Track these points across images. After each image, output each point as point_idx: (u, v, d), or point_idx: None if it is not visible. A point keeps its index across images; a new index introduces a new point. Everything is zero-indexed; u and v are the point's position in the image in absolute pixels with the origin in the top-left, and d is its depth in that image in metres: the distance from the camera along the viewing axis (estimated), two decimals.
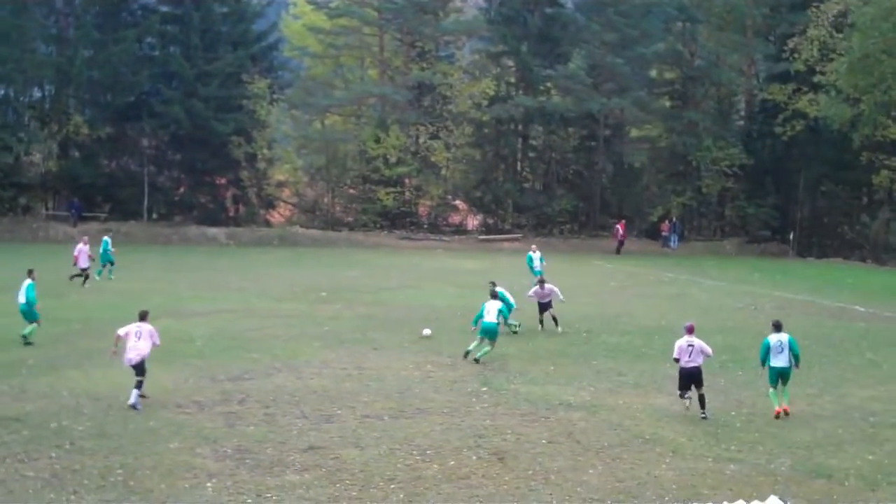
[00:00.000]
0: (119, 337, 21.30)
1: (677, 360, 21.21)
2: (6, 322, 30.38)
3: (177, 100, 67.47)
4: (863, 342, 31.48)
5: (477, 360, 26.25)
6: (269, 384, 22.99)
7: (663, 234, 71.73)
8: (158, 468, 16.63)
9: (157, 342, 21.41)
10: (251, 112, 69.22)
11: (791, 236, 70.17)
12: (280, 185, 74.68)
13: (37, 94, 70.32)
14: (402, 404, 21.41)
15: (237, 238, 66.31)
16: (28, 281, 27.93)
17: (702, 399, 21.10)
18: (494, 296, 27.91)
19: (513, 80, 75.97)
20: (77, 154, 69.58)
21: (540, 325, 31.48)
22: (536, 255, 43.64)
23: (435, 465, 17.20)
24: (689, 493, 15.84)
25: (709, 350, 21.37)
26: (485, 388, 23.16)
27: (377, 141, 69.08)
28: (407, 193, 72.79)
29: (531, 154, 77.97)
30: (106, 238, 44.04)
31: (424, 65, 71.91)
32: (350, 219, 72.95)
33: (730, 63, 76.07)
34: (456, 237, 71.73)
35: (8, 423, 18.99)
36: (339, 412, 20.64)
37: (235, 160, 69.42)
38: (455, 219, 77.38)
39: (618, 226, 67.96)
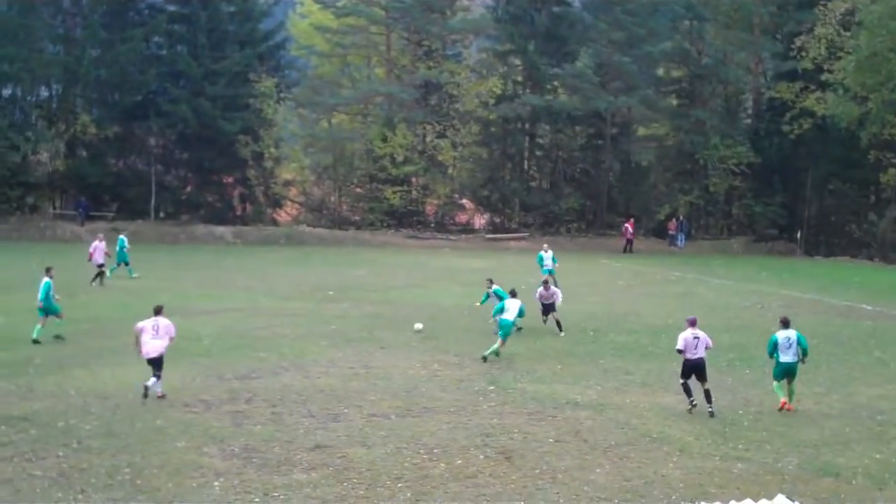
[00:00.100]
0: (137, 332, 21.58)
1: (680, 352, 21.37)
2: (14, 321, 30.49)
3: (184, 99, 67.57)
4: (870, 340, 31.43)
5: (484, 359, 26.28)
6: (276, 383, 23.00)
7: (670, 232, 71.65)
8: (166, 467, 16.64)
9: (173, 335, 21.69)
10: (258, 111, 69.29)
11: (798, 235, 70.06)
12: (287, 183, 74.74)
13: (44, 93, 70.45)
14: (409, 403, 21.41)
15: (244, 237, 66.37)
16: (45, 279, 28.10)
17: (707, 394, 21.18)
18: (514, 294, 27.94)
19: (520, 78, 75.97)
20: (84, 153, 69.75)
21: (544, 324, 31.38)
22: (548, 255, 43.36)
23: (442, 464, 17.19)
24: (697, 492, 15.81)
25: (710, 342, 21.60)
26: (492, 387, 23.14)
27: (384, 140, 69.12)
28: (414, 192, 72.77)
29: (538, 153, 77.90)
30: (121, 237, 44.05)
31: (431, 63, 71.93)
32: (357, 217, 72.97)
33: (737, 61, 76.03)
34: (463, 236, 71.69)
35: (15, 422, 19.02)
36: (346, 411, 20.64)
37: (242, 159, 69.47)
38: (462, 218, 77.37)
39: (626, 224, 67.86)
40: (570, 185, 75.43)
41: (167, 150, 73.48)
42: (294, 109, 74.18)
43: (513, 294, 27.97)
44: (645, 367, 25.88)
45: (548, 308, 30.99)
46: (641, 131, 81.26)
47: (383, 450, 17.91)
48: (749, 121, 79.16)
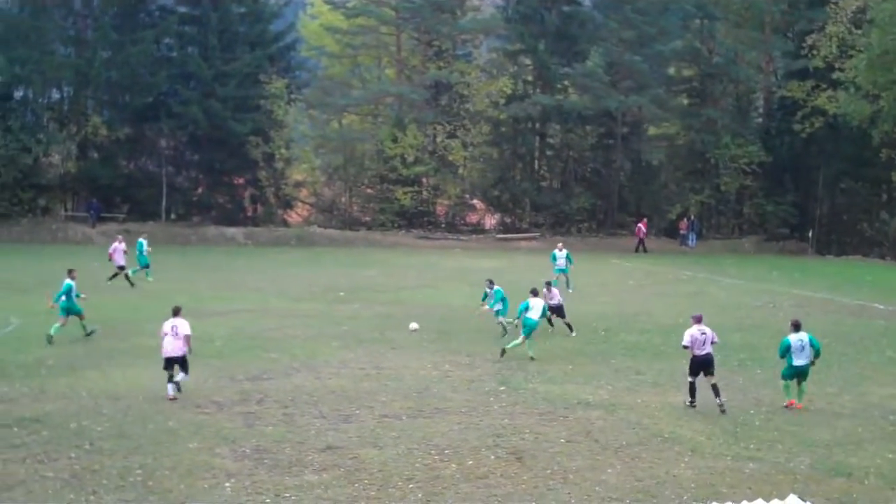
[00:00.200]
0: (162, 335, 21.98)
1: (686, 348, 21.60)
2: (26, 323, 30.61)
3: (195, 100, 67.66)
4: (882, 340, 31.34)
5: (503, 352, 26.46)
6: (287, 384, 23.03)
7: (681, 232, 71.53)
8: (177, 468, 16.68)
9: (188, 332, 21.89)
10: (269, 112, 69.36)
11: (810, 234, 69.87)
12: (298, 184, 74.77)
13: (56, 95, 70.57)
14: (421, 404, 21.42)
15: (255, 238, 66.47)
16: (66, 280, 28.36)
17: (715, 388, 21.41)
18: (535, 293, 27.95)
19: (530, 78, 75.93)
20: (96, 155, 69.88)
21: (549, 326, 31.13)
22: (561, 254, 43.16)
23: (453, 465, 17.20)
24: (708, 492, 15.78)
25: (715, 337, 21.86)
26: (503, 388, 23.15)
27: (394, 140, 69.13)
28: (424, 193, 72.76)
29: (549, 152, 77.83)
30: (140, 240, 44.07)
31: (442, 64, 71.93)
32: (368, 218, 73.01)
33: (748, 60, 75.82)
34: (473, 236, 71.67)
35: (28, 424, 19.08)
36: (357, 412, 20.66)
37: (253, 160, 69.52)
38: (472, 218, 77.35)
39: (639, 224, 67.80)
40: (580, 185, 75.33)
41: (178, 151, 73.61)
42: (305, 110, 74.23)
43: (534, 293, 27.99)
44: (656, 367, 25.85)
45: (553, 310, 30.78)
46: (652, 130, 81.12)
47: (395, 450, 17.93)
48: (760, 120, 79.01)
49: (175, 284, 40.84)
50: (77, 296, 28.64)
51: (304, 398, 21.67)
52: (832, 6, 65.71)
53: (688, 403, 21.54)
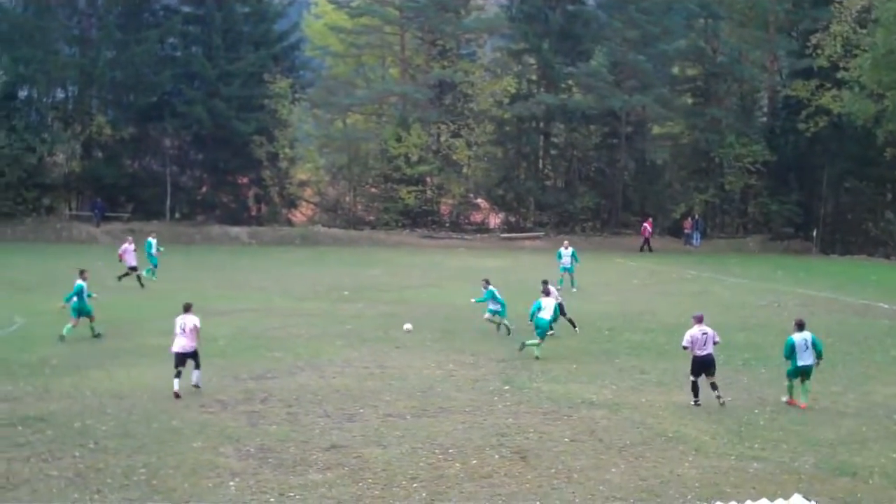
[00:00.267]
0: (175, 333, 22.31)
1: (686, 349, 21.74)
2: (31, 322, 30.65)
3: (199, 100, 67.67)
4: (887, 339, 31.29)
5: (523, 347, 26.71)
6: (291, 383, 23.05)
7: (686, 231, 71.46)
8: (181, 467, 16.69)
9: (197, 326, 22.23)
10: (273, 111, 69.36)
11: (814, 233, 69.76)
12: (302, 184, 74.74)
13: (60, 94, 70.59)
14: (425, 403, 21.43)
15: (259, 237, 66.48)
16: (78, 281, 28.44)
17: (714, 385, 21.60)
18: (547, 293, 27.99)
19: (534, 77, 75.85)
20: (100, 154, 69.91)
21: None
22: (567, 252, 43.04)
23: (457, 464, 17.20)
24: (712, 492, 15.77)
25: (717, 337, 21.97)
26: (507, 387, 23.14)
27: (399, 139, 69.11)
28: (428, 192, 72.74)
29: (553, 152, 77.78)
30: (149, 239, 44.15)
31: (446, 63, 71.90)
32: (372, 217, 72.99)
33: (752, 59, 75.64)
34: (478, 235, 71.63)
35: (32, 423, 19.11)
36: (361, 411, 20.67)
37: (257, 160, 69.54)
38: (477, 217, 77.29)
39: (645, 223, 67.80)
40: (584, 184, 75.26)
41: (182, 150, 73.66)
42: (309, 110, 74.23)
43: (546, 293, 28.03)
44: (661, 366, 25.84)
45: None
46: (656, 130, 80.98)
47: (399, 450, 17.93)
48: (764, 119, 78.89)
49: (179, 284, 40.86)
50: (88, 296, 28.72)
51: (308, 397, 21.68)
52: (837, 5, 65.58)
53: (693, 403, 21.56)
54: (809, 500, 12.90)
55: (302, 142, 73.85)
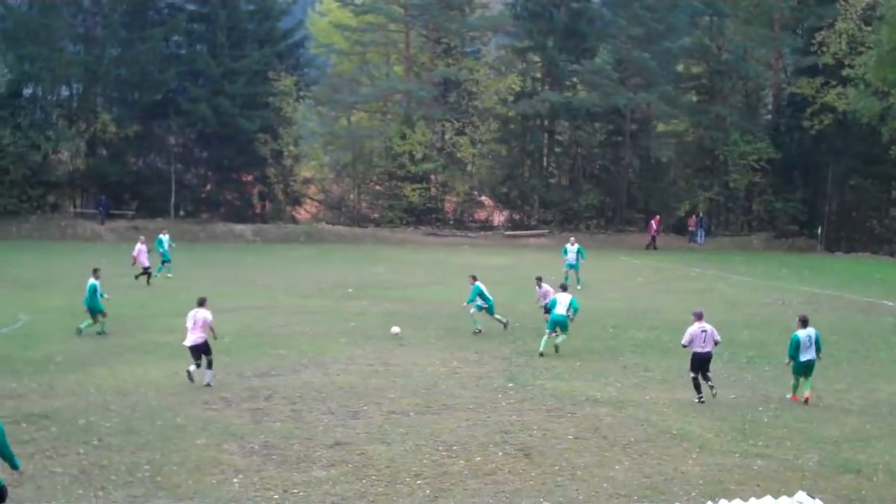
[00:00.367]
0: (187, 327, 22.59)
1: (685, 347, 21.94)
2: (35, 319, 30.69)
3: (203, 97, 67.69)
4: (891, 337, 31.29)
5: (556, 349, 26.76)
6: (295, 380, 23.06)
7: (690, 229, 71.42)
8: (185, 464, 16.70)
9: (209, 322, 22.50)
10: (277, 109, 69.38)
11: (819, 231, 69.70)
12: (306, 181, 74.79)
13: (65, 92, 70.62)
14: (429, 400, 21.43)
15: (264, 235, 66.52)
16: (91, 280, 28.54)
17: (706, 377, 21.87)
18: (565, 288, 28.12)
19: (539, 75, 75.79)
20: (105, 152, 70.01)
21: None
22: (572, 248, 42.95)
23: (461, 461, 17.20)
24: (716, 489, 15.76)
25: (718, 336, 22.11)
26: (511, 384, 23.15)
27: (403, 137, 69.11)
28: (433, 189, 72.68)
29: (557, 149, 77.71)
30: (161, 236, 44.20)
31: (450, 61, 71.87)
32: (376, 215, 73.01)
33: (757, 57, 75.57)
34: (482, 233, 71.61)
35: (36, 420, 19.13)
36: (365, 408, 20.67)
37: (262, 157, 69.54)
38: (481, 215, 77.26)
39: (652, 221, 67.79)
40: (589, 182, 75.23)
41: (187, 148, 73.69)
42: (313, 107, 74.19)
43: (563, 288, 28.17)
44: (665, 364, 25.83)
45: (545, 308, 30.75)
46: (661, 127, 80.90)
47: (402, 447, 17.94)
48: (769, 116, 78.75)
49: (183, 281, 40.89)
50: (101, 295, 28.75)
51: (312, 394, 21.69)
52: (842, 3, 65.54)
53: (697, 400, 21.57)
54: (813, 498, 12.88)
55: (306, 139, 73.82)
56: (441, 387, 22.76)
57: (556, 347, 26.92)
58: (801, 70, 72.07)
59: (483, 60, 73.88)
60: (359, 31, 73.73)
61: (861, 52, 63.57)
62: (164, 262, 43.22)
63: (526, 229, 72.07)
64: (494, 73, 74.30)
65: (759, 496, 13.41)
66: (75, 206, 70.03)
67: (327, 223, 71.08)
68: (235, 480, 15.96)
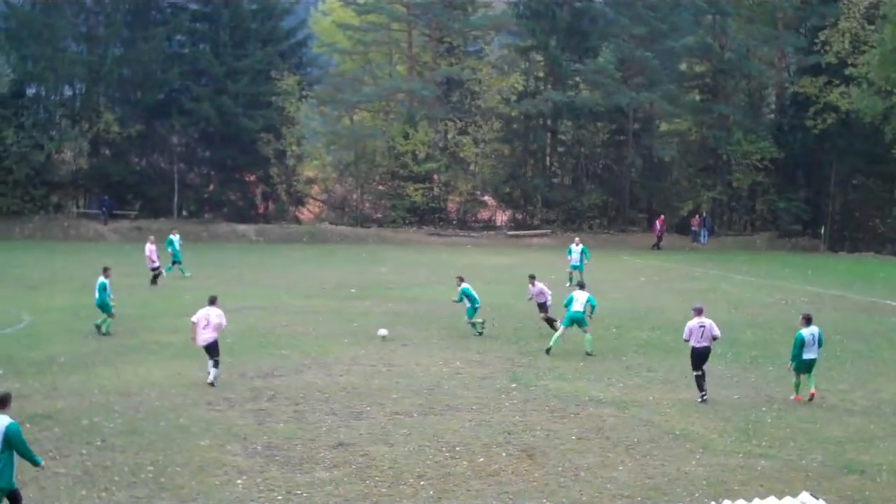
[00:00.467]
0: (193, 324, 22.65)
1: (687, 341, 22.01)
2: (38, 320, 30.70)
3: (206, 97, 67.69)
4: (895, 337, 31.24)
5: (589, 354, 26.80)
6: (298, 381, 23.06)
7: (693, 228, 71.36)
8: (189, 465, 16.71)
9: (223, 322, 22.75)
10: (280, 109, 69.36)
11: (822, 230, 69.63)
12: (309, 181, 74.75)
13: (68, 92, 70.64)
14: (432, 401, 21.43)
15: (267, 235, 66.52)
16: (100, 279, 28.60)
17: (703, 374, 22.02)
18: (582, 286, 28.16)
19: (541, 74, 75.76)
20: (108, 152, 70.07)
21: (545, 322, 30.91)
22: (577, 249, 42.91)
23: (464, 462, 17.20)
24: (720, 490, 15.75)
25: (717, 332, 22.09)
26: (514, 385, 23.14)
27: (406, 137, 69.09)
28: (436, 189, 72.65)
29: (560, 149, 77.66)
30: (170, 237, 44.22)
31: (453, 60, 71.87)
32: (379, 215, 73.01)
33: (760, 56, 75.50)
34: (485, 233, 71.61)
35: (39, 421, 19.14)
36: (368, 409, 20.68)
37: (265, 157, 69.52)
38: (484, 214, 77.23)
39: (656, 221, 67.76)
40: (592, 182, 75.20)
41: (190, 148, 73.70)
42: (316, 107, 74.17)
43: (580, 286, 28.10)
44: (668, 364, 25.82)
45: (539, 307, 30.70)
46: (664, 127, 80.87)
47: (406, 448, 17.94)
48: (772, 116, 78.69)
49: (186, 281, 40.97)
50: (109, 295, 28.81)
51: (315, 395, 21.70)
52: (845, 2, 65.43)
53: (700, 398, 21.55)
54: (817, 498, 12.87)
55: (309, 139, 73.73)
56: (444, 387, 22.76)
57: (588, 353, 26.85)
58: (805, 69, 72.02)
59: (486, 60, 73.82)
60: (361, 30, 73.76)
61: (864, 51, 63.52)
62: (174, 262, 43.22)
63: (529, 229, 72.04)
64: (497, 72, 74.24)
65: (762, 497, 13.40)
66: (78, 207, 70.06)
67: (330, 223, 71.09)
68: (239, 482, 15.96)
